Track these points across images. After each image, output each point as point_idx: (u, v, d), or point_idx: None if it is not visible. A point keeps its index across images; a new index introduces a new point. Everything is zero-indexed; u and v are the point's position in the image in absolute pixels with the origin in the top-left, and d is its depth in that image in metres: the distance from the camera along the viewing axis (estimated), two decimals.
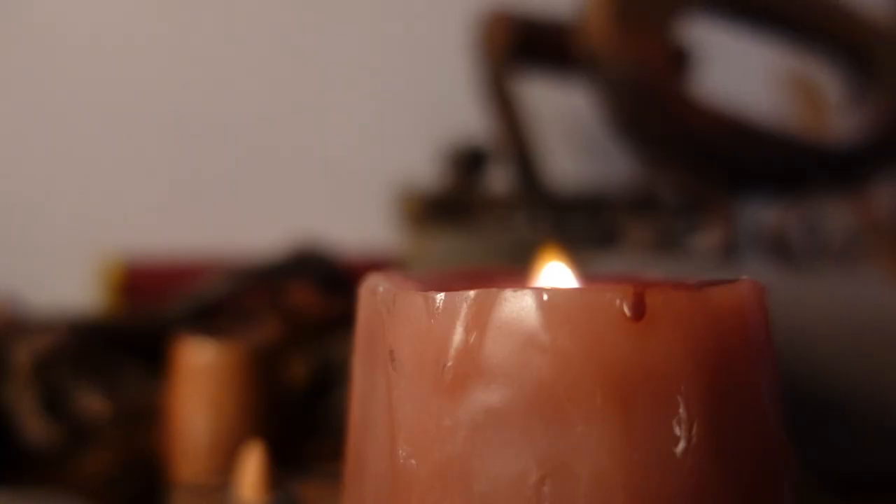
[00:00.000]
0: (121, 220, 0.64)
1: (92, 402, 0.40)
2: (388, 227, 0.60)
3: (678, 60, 0.47)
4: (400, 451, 0.20)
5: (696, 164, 0.46)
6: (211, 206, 0.65)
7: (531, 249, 0.27)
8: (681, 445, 0.19)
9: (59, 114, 0.64)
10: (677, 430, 0.19)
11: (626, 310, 0.19)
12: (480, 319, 0.20)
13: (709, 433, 0.19)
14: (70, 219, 0.64)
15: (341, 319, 0.42)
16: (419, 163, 0.62)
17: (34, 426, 0.39)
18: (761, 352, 0.21)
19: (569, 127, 0.67)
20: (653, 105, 0.45)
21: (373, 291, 0.23)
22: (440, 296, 0.20)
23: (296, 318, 0.45)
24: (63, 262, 0.62)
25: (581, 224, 0.48)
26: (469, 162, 0.54)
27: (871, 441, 0.37)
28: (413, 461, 0.20)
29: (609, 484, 0.19)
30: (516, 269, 0.26)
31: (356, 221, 0.64)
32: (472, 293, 0.20)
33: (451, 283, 0.23)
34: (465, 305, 0.20)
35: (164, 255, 0.61)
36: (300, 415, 0.41)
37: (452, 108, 0.63)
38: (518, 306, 0.20)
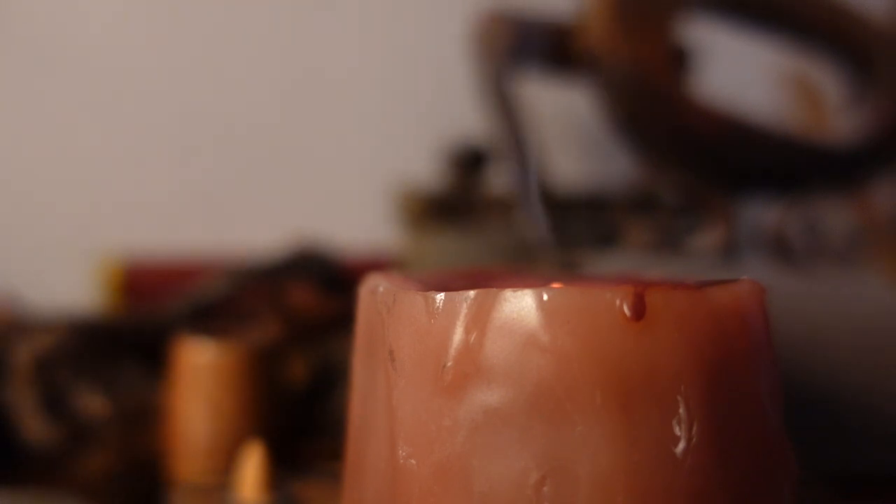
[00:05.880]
0: (121, 220, 0.64)
1: (92, 402, 0.39)
2: (388, 227, 0.60)
3: (678, 60, 0.47)
4: (400, 451, 0.20)
5: (696, 164, 0.46)
6: (211, 205, 0.65)
7: (531, 249, 0.27)
8: (681, 445, 0.19)
9: (59, 114, 0.64)
10: (677, 430, 0.19)
11: (626, 310, 0.19)
12: (480, 319, 0.20)
13: (709, 433, 0.19)
14: (70, 219, 0.64)
15: (341, 319, 0.42)
16: (419, 163, 0.62)
17: (34, 426, 0.39)
18: (761, 352, 0.21)
19: (569, 127, 0.67)
20: (653, 105, 0.45)
21: (373, 291, 0.23)
22: (440, 296, 0.20)
23: (296, 318, 0.45)
24: (63, 262, 0.62)
25: (581, 224, 0.48)
26: (469, 162, 0.54)
27: (872, 441, 0.37)
28: (413, 461, 0.20)
29: (609, 484, 0.19)
30: (516, 269, 0.26)
31: (356, 221, 0.63)
32: (472, 293, 0.20)
33: (451, 283, 0.23)
34: (465, 305, 0.20)
35: (164, 255, 0.61)
36: (300, 415, 0.41)
37: (452, 108, 0.63)
38: (518, 306, 0.20)
